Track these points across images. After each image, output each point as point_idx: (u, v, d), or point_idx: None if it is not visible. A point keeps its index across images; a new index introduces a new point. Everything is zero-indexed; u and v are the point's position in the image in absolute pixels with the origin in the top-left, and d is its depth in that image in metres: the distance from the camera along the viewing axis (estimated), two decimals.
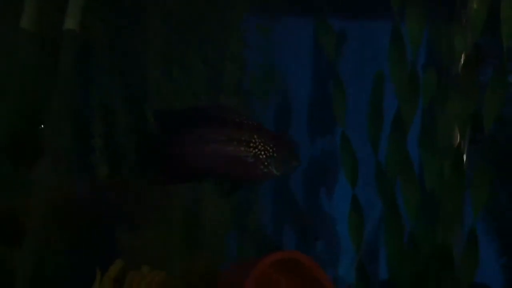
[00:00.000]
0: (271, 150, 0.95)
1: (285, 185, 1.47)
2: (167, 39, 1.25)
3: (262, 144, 0.95)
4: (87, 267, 1.08)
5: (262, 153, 0.95)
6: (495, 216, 1.43)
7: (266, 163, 0.95)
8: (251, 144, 0.95)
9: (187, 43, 1.27)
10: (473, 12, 1.29)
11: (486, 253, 1.40)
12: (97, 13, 1.23)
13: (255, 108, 1.36)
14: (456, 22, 1.35)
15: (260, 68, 1.34)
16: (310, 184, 1.48)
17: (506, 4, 1.23)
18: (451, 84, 1.32)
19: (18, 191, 1.18)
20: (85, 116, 1.25)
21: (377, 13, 1.40)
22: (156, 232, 1.22)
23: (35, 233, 1.12)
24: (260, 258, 1.09)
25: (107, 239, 1.21)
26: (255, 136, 0.95)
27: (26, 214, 1.14)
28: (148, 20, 1.24)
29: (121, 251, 1.18)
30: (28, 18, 1.20)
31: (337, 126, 1.40)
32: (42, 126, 1.22)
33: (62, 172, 1.19)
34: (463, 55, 1.33)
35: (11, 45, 1.21)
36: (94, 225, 1.21)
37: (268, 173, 0.96)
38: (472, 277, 1.21)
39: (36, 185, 1.14)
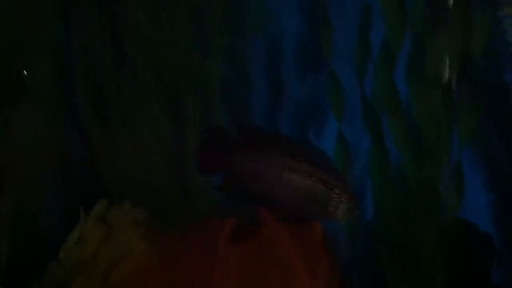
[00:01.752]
0: (341, 195, 0.92)
1: (273, 125, 1.46)
2: None
3: (337, 187, 0.92)
4: (71, 208, 1.08)
5: (335, 195, 0.91)
6: (483, 152, 1.42)
7: (334, 208, 0.92)
8: (328, 185, 0.91)
9: None
10: None
11: (474, 189, 1.40)
12: None
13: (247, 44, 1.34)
14: None
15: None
16: (298, 124, 1.47)
17: None
18: (441, 16, 1.29)
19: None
20: (67, 56, 1.23)
21: None
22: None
23: (16, 177, 1.12)
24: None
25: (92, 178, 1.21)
26: (332, 178, 0.92)
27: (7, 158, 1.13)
28: None
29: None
30: None
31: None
32: (25, 72, 1.20)
33: (44, 114, 1.18)
34: None
35: None
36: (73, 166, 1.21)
37: (333, 217, 0.93)
38: (457, 209, 1.21)
39: (16, 127, 1.13)
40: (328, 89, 1.34)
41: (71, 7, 1.23)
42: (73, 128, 1.24)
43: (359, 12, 1.30)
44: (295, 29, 1.47)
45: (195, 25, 1.27)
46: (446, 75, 1.26)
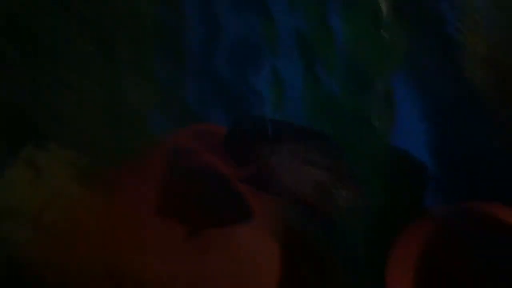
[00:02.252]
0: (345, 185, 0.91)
1: (211, 63, 1.44)
2: None
3: (343, 178, 0.91)
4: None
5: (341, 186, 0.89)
6: (419, 81, 1.43)
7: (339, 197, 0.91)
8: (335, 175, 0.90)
9: None
10: None
11: (408, 118, 1.41)
12: None
13: None
14: None
15: None
16: (235, 63, 1.46)
17: None
18: None
19: None
20: None
21: None
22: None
23: None
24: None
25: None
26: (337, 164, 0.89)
27: None
28: None
29: None
30: None
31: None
32: None
33: None
34: None
35: None
36: None
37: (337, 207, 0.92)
38: (388, 137, 1.22)
39: None
40: (261, 25, 1.33)
41: None
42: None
43: None
44: None
45: None
46: (377, 2, 1.26)
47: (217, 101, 1.47)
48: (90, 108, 1.20)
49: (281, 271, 1.01)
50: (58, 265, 0.99)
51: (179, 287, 0.96)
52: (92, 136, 1.19)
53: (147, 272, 0.96)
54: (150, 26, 1.27)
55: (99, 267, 0.97)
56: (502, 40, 1.27)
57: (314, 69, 1.26)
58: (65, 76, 1.20)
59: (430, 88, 1.43)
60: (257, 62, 1.45)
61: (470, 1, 1.31)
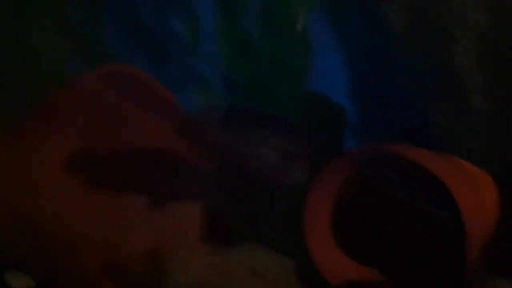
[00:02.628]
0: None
1: (130, 7, 1.41)
2: None
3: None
4: None
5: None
6: (340, 28, 1.44)
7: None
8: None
9: None
10: None
11: (330, 64, 1.42)
12: None
13: None
14: None
15: None
16: (155, 5, 1.43)
17: None
18: None
19: None
20: None
21: None
22: None
23: None
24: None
25: None
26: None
27: None
28: None
29: None
30: None
31: None
32: None
33: None
34: None
35: None
36: None
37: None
38: (306, 81, 1.23)
39: None
40: None
41: None
42: None
43: None
44: None
45: None
46: None
47: (138, 45, 1.44)
48: (2, 56, 1.17)
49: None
50: None
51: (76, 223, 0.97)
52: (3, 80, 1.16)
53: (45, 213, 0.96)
54: None
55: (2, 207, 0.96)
56: None
57: (230, 10, 1.24)
58: None
59: (352, 36, 1.44)
60: (176, 5, 1.42)
61: None
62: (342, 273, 1.12)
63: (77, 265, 0.97)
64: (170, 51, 1.41)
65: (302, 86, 1.24)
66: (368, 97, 1.43)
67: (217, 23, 1.25)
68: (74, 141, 1.03)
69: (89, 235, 1.00)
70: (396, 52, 1.26)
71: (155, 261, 1.00)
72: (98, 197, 1.00)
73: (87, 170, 1.02)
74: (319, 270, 1.09)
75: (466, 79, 1.19)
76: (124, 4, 1.40)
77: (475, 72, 1.19)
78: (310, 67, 1.23)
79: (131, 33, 1.42)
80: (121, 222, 1.08)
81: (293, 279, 1.04)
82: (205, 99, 1.25)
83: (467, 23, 1.18)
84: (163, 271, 0.98)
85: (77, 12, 1.29)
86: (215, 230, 1.06)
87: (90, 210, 0.99)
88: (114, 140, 1.12)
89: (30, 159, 1.01)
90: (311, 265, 1.09)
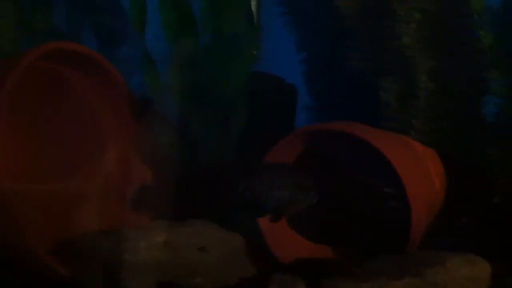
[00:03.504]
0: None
1: None
2: None
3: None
4: None
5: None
6: (295, 13, 1.45)
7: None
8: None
9: None
10: None
11: (286, 47, 1.43)
12: None
13: None
14: None
15: None
16: None
17: None
18: None
19: None
20: None
21: None
22: None
23: None
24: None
25: None
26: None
27: None
28: None
29: None
30: None
31: None
32: None
33: None
34: None
35: None
36: None
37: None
38: (255, 62, 1.23)
39: None
40: None
41: None
42: None
43: None
44: None
45: None
46: None
47: (87, 22, 1.42)
48: None
49: None
50: None
51: None
52: None
53: None
54: None
55: None
56: None
57: None
58: None
59: (307, 21, 1.45)
60: None
61: None
62: (292, 250, 1.13)
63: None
64: (122, 29, 1.40)
65: (252, 65, 1.24)
66: (321, 79, 1.45)
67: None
68: None
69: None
70: (346, 35, 1.27)
71: (106, 241, 1.00)
72: None
73: None
74: (269, 248, 1.10)
75: (413, 60, 1.21)
76: None
77: (421, 53, 1.21)
78: (260, 48, 1.23)
79: (81, 11, 1.40)
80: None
81: (243, 256, 1.05)
82: (152, 80, 1.24)
83: (412, 4, 1.21)
84: (114, 251, 0.98)
85: None
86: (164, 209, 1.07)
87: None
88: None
89: None
90: (260, 242, 1.10)
